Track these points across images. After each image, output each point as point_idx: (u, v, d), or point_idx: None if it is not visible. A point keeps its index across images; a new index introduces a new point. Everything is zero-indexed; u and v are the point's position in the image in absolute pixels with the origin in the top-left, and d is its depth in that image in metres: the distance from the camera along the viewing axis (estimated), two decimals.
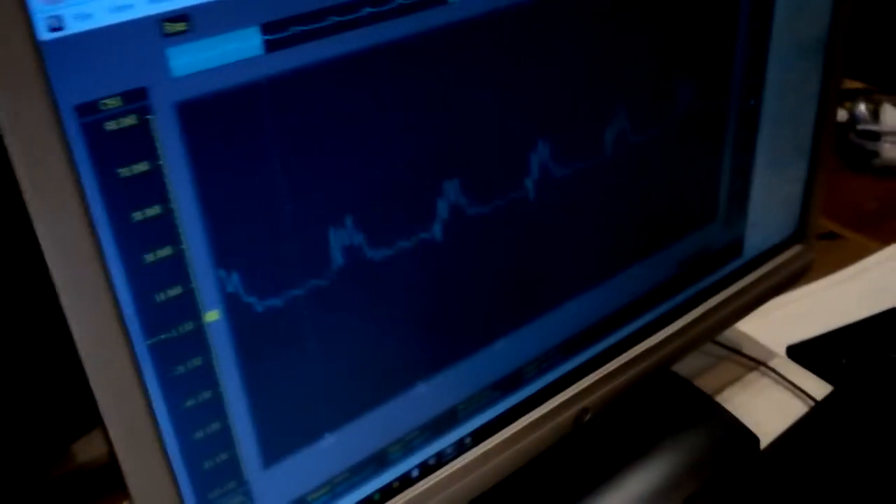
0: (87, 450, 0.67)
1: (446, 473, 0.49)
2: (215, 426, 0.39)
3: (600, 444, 0.63)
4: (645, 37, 0.48)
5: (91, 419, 0.65)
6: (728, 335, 0.74)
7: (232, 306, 0.37)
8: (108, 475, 0.65)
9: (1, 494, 0.66)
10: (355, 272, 0.40)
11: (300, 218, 0.37)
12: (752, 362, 0.72)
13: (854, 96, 1.10)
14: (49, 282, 0.32)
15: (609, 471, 0.61)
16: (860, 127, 1.05)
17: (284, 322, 0.39)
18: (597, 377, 0.55)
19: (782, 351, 0.74)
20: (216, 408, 0.39)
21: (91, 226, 0.32)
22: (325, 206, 0.38)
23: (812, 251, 0.67)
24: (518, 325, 0.50)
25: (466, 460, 0.50)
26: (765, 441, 0.63)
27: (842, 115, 1.10)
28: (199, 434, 0.39)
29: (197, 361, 0.37)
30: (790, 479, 0.59)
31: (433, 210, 0.42)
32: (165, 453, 0.38)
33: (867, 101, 1.07)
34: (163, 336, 0.36)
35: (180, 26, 0.31)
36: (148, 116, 0.31)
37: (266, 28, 0.33)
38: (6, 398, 0.65)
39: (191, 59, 0.31)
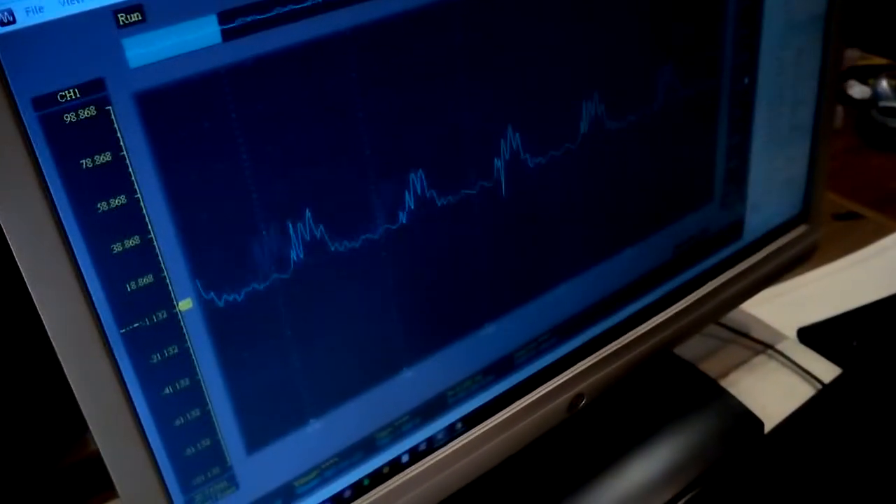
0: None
1: (437, 459, 0.49)
2: (195, 413, 0.40)
3: (602, 428, 0.62)
4: (630, 14, 0.47)
5: None
6: (737, 318, 0.74)
7: (205, 295, 0.37)
8: None
9: (16, 481, 0.67)
10: (328, 260, 0.41)
11: (267, 205, 0.37)
12: (759, 345, 0.71)
13: (877, 73, 1.08)
14: None
15: (610, 456, 0.60)
16: (882, 104, 1.03)
17: (259, 310, 0.39)
18: (591, 362, 0.55)
19: (794, 334, 0.73)
20: (195, 395, 0.39)
21: (56, 218, 0.32)
22: (290, 193, 0.38)
23: (818, 232, 0.66)
24: (509, 309, 0.50)
25: (458, 446, 0.50)
26: (770, 425, 0.62)
27: (864, 91, 1.08)
28: (180, 421, 0.39)
29: (173, 349, 0.38)
30: (794, 464, 0.58)
31: (408, 196, 0.42)
32: (146, 441, 0.38)
33: (889, 77, 1.05)
34: (136, 325, 0.36)
35: (134, 17, 0.31)
36: (107, 107, 0.31)
37: (223, 17, 0.33)
38: (21, 387, 0.67)
39: (147, 50, 0.31)
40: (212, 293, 0.37)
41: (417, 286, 0.45)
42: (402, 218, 0.42)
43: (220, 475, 0.42)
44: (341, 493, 0.46)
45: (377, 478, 0.48)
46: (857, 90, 1.09)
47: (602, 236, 0.52)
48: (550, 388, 0.53)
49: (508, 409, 0.51)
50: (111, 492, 0.57)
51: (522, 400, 0.52)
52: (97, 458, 0.60)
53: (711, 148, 0.55)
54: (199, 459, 0.41)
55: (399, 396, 0.47)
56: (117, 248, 0.34)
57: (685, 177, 0.55)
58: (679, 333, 0.59)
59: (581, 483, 0.59)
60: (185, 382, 0.38)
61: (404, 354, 0.46)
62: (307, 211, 0.39)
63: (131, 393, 0.37)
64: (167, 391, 0.38)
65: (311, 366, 0.42)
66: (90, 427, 0.37)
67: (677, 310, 0.58)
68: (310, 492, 0.45)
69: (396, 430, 0.47)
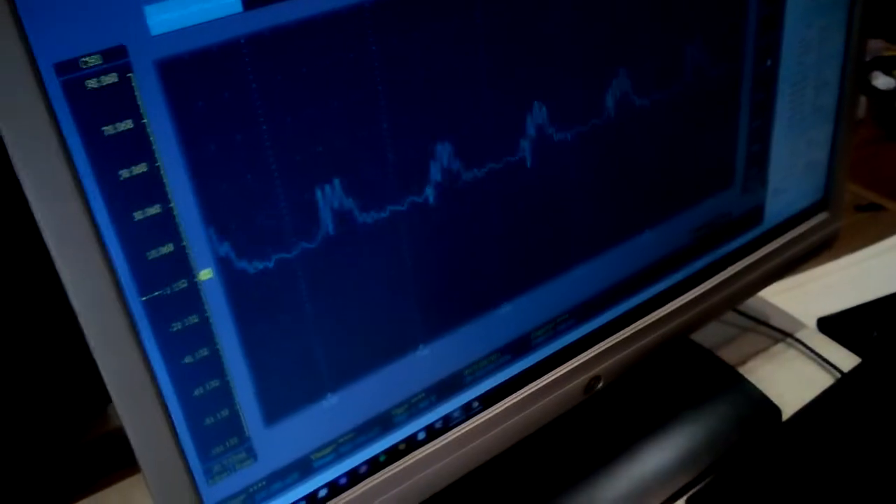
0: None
1: (453, 437, 0.49)
2: (214, 383, 0.40)
3: (619, 412, 0.62)
4: None
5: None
6: (756, 306, 0.73)
7: (224, 265, 0.38)
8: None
9: (41, 454, 0.68)
10: (348, 232, 0.41)
11: (287, 177, 0.38)
12: (779, 334, 0.71)
13: None
14: None
15: (627, 440, 0.60)
16: None
17: (279, 281, 0.40)
18: (609, 345, 0.55)
19: (813, 323, 0.72)
20: (214, 365, 0.39)
21: (79, 185, 0.33)
22: (312, 166, 0.38)
23: (839, 220, 0.65)
24: (527, 289, 0.50)
25: (474, 425, 0.50)
26: (788, 414, 0.62)
27: (888, 82, 1.07)
28: (199, 391, 0.40)
29: (193, 319, 0.38)
30: (811, 452, 0.58)
31: (428, 171, 0.42)
32: (166, 409, 0.39)
33: None
34: (157, 293, 0.36)
35: None
36: (128, 74, 0.32)
37: None
38: (45, 362, 0.67)
39: (168, 17, 0.32)
40: (232, 264, 0.38)
41: (437, 262, 0.45)
42: (421, 194, 0.42)
43: (238, 446, 0.42)
44: (357, 468, 0.47)
45: (393, 454, 0.48)
46: (882, 81, 1.08)
47: (622, 218, 0.52)
48: (567, 369, 0.53)
49: (525, 389, 0.52)
50: (133, 467, 0.57)
51: (539, 381, 0.52)
52: (118, 434, 0.61)
53: (733, 130, 0.55)
54: (217, 430, 0.41)
55: (416, 373, 0.47)
56: (138, 215, 0.34)
57: (707, 160, 0.55)
58: (698, 318, 0.59)
59: (597, 466, 0.59)
60: (204, 352, 0.39)
61: (422, 331, 0.46)
62: (326, 182, 0.39)
63: (152, 361, 0.37)
64: (187, 360, 0.39)
65: (329, 339, 0.43)
66: (111, 395, 0.37)
67: (696, 294, 0.58)
68: (326, 466, 0.45)
69: (413, 407, 0.48)
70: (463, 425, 0.50)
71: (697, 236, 0.57)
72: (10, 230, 0.62)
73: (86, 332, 0.35)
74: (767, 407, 0.62)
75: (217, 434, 0.41)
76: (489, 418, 0.50)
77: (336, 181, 0.39)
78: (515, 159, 0.45)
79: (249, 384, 0.41)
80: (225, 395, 0.41)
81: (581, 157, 0.48)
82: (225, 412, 0.41)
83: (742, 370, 0.66)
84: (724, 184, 0.57)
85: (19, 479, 0.67)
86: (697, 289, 0.58)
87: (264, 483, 0.44)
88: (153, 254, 0.36)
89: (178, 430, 0.40)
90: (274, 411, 0.42)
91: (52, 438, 0.70)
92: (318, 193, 0.39)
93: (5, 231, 0.62)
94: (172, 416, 0.39)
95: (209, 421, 0.41)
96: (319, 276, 0.41)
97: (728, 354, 0.68)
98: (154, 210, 0.35)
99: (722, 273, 0.60)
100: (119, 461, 0.68)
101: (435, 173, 0.42)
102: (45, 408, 0.69)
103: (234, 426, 0.41)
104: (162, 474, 0.40)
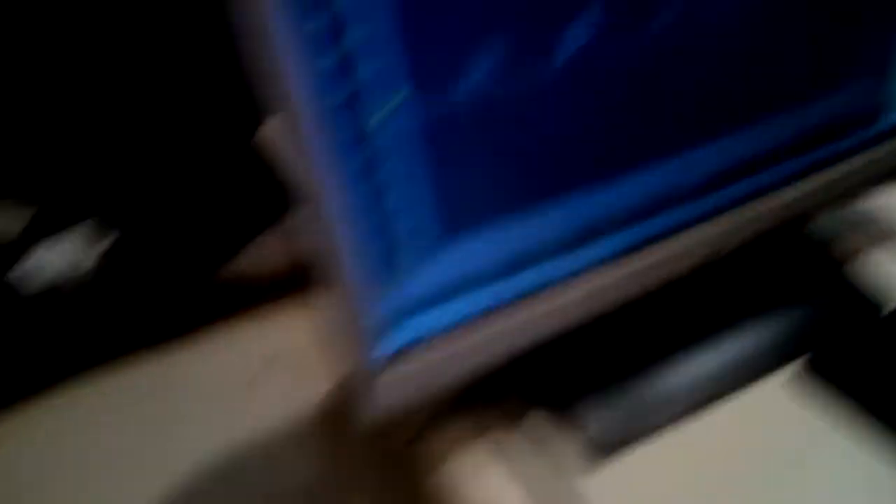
0: (253, 259, 0.74)
1: (583, 285, 0.52)
2: (377, 217, 0.43)
3: (721, 291, 0.64)
4: None
5: (255, 230, 0.72)
6: (871, 204, 0.73)
7: (418, 90, 0.40)
8: (269, 286, 0.71)
9: (171, 290, 0.73)
10: (528, 75, 0.43)
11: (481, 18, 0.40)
12: (890, 232, 0.71)
13: None
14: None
15: (723, 320, 0.63)
16: None
17: (464, 113, 0.42)
18: (729, 221, 0.57)
19: None
20: (382, 199, 0.43)
21: None
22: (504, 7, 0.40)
23: None
24: (664, 156, 0.52)
25: (601, 278, 0.53)
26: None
27: None
28: (365, 222, 0.43)
29: (375, 149, 0.41)
30: None
31: (593, 29, 0.44)
32: (340, 234, 0.42)
33: None
34: (350, 107, 0.39)
35: None
36: None
37: None
38: (190, 197, 0.71)
39: None
40: (426, 88, 0.40)
41: (588, 126, 0.47)
42: (596, 45, 0.44)
43: (392, 271, 0.45)
44: (495, 303, 0.50)
45: (529, 294, 0.51)
46: None
47: (768, 94, 0.54)
48: (690, 239, 0.55)
49: (649, 251, 0.54)
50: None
51: (663, 244, 0.55)
52: (248, 278, 0.64)
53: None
54: (376, 254, 0.44)
55: (559, 222, 0.50)
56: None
57: (854, 47, 0.56)
58: (815, 205, 0.61)
59: (699, 336, 0.61)
60: (376, 187, 0.42)
61: (570, 184, 0.49)
62: (514, 26, 0.41)
63: (332, 181, 0.41)
64: (363, 187, 0.42)
65: (492, 179, 0.46)
66: (297, 208, 0.41)
67: (819, 182, 0.60)
68: (468, 297, 0.49)
69: (551, 254, 0.51)
70: (592, 276, 0.53)
71: (827, 125, 0.58)
72: None
73: (278, 139, 0.38)
74: (867, 302, 0.64)
75: (374, 260, 0.44)
76: (617, 273, 0.53)
77: (523, 27, 0.41)
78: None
79: (410, 216, 0.44)
80: (386, 225, 0.44)
81: (733, 32, 0.49)
82: (385, 241, 0.44)
83: (850, 266, 0.68)
84: (862, 74, 0.57)
85: (148, 311, 0.71)
86: (821, 176, 0.60)
87: (411, 307, 0.47)
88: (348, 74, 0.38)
89: (348, 251, 0.43)
90: (432, 243, 0.46)
91: (185, 275, 0.73)
92: (510, 35, 0.41)
93: None
94: (344, 237, 0.42)
95: (370, 247, 0.44)
96: (499, 113, 0.43)
97: (839, 248, 0.69)
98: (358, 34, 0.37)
99: (843, 165, 0.61)
100: (242, 303, 0.72)
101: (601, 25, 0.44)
102: (181, 243, 0.73)
103: (390, 255, 0.45)
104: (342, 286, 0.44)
